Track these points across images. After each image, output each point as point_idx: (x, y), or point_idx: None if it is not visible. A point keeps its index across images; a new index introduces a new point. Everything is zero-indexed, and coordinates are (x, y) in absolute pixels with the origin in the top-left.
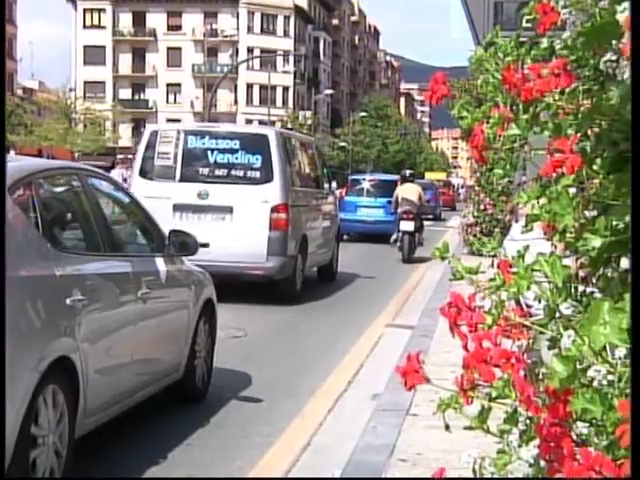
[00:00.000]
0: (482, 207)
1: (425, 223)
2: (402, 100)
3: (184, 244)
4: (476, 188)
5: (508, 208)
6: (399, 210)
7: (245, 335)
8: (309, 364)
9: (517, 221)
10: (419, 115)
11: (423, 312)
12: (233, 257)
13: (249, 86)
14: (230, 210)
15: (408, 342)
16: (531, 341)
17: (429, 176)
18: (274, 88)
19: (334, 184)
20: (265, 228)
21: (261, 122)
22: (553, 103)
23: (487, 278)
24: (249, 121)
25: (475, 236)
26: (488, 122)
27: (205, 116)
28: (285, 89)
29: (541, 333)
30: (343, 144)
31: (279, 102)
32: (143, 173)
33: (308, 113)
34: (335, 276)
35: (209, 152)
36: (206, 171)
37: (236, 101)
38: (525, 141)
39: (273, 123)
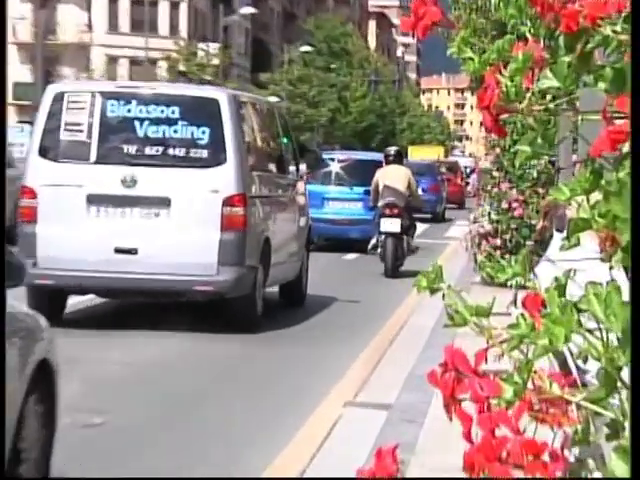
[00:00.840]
0: (505, 206)
1: (425, 230)
2: (372, 25)
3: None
4: (494, 174)
5: (543, 209)
6: (380, 203)
7: (101, 424)
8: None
9: (559, 230)
10: (400, 51)
11: (407, 379)
12: (170, 268)
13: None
14: (166, 203)
15: (380, 432)
16: (579, 427)
17: (416, 153)
18: (155, 4)
19: (303, 166)
20: (215, 228)
21: (135, 61)
22: (613, 37)
23: (506, 324)
24: (113, 59)
25: (491, 255)
26: (507, 68)
27: (38, 50)
28: (174, 5)
29: (596, 414)
30: (273, 99)
31: (163, 28)
32: (44, 152)
33: (214, 47)
34: (304, 298)
35: (137, 123)
36: (133, 149)
37: (90, 24)
38: (569, 98)
39: (154, 62)
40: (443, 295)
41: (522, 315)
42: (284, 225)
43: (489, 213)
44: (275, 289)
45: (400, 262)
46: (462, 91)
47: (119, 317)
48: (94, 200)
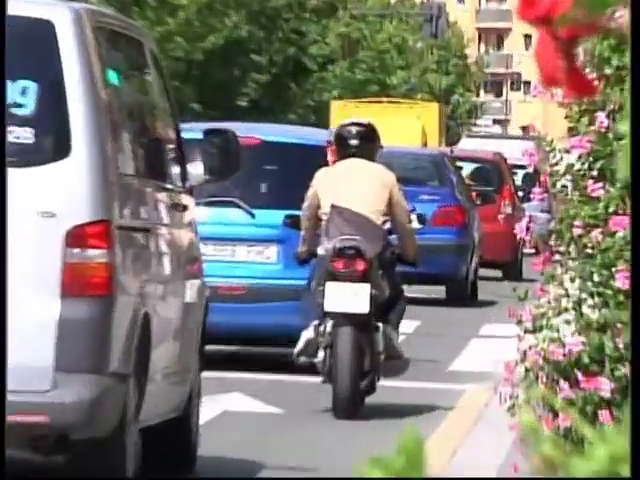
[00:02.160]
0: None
1: (425, 324)
2: None
3: None
4: (591, 190)
5: None
6: (323, 248)
7: None
8: None
9: None
10: None
11: None
12: None
13: None
14: None
15: None
16: None
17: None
18: None
19: (196, 167)
20: (48, 293)
21: None
22: None
23: None
24: None
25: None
26: None
27: None
28: None
29: None
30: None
31: None
32: None
33: None
34: (194, 458)
35: None
36: None
37: None
38: None
39: None
40: None
41: None
42: (172, 293)
43: (578, 303)
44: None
45: (368, 384)
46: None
47: None
48: None
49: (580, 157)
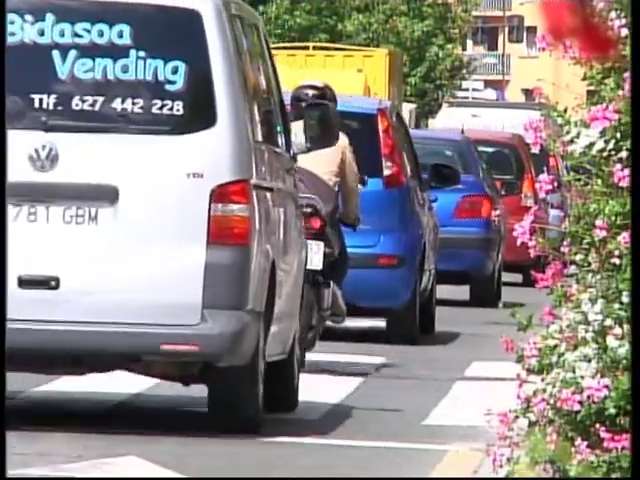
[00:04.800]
0: None
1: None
2: None
3: None
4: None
5: None
6: None
7: None
8: None
9: None
10: None
11: None
12: (116, 313)
13: None
14: (110, 197)
15: None
16: None
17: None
18: None
19: (297, 136)
20: (197, 241)
21: None
22: None
23: None
24: None
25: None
26: None
27: None
28: None
29: None
30: None
31: None
32: None
33: None
34: (297, 398)
35: (56, 54)
36: (50, 101)
37: None
38: None
39: None
40: None
41: None
42: (290, 245)
43: (600, 333)
44: None
45: (311, 339)
46: None
47: None
48: None
49: (604, 133)
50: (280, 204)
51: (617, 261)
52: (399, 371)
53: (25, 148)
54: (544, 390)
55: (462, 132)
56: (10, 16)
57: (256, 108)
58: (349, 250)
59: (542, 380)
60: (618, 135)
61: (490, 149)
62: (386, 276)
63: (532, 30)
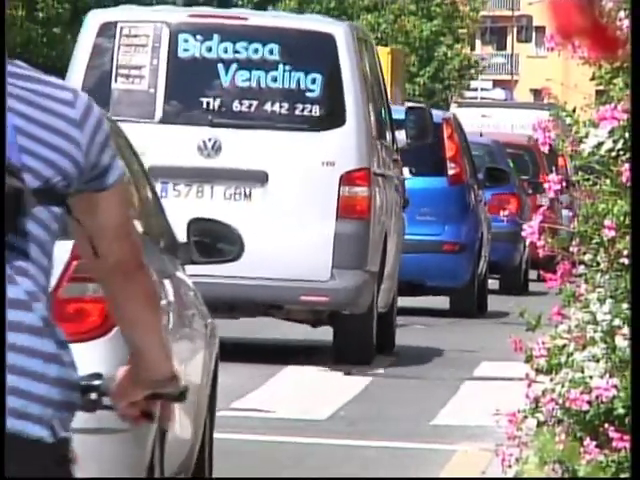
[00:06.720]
0: None
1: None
2: None
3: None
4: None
5: None
6: None
7: None
8: None
9: None
10: None
11: None
12: (266, 270)
13: None
14: (262, 179)
15: None
16: None
17: None
18: None
19: (402, 133)
20: (329, 215)
21: None
22: None
23: None
24: None
25: None
26: None
27: None
28: None
29: None
30: None
31: None
32: None
33: None
34: (394, 344)
35: (220, 67)
36: (215, 104)
37: None
38: None
39: None
40: None
41: None
42: (397, 221)
43: (609, 333)
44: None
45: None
46: None
47: None
48: (159, 174)
49: (612, 133)
50: (389, 187)
51: (626, 261)
52: (407, 371)
53: (195, 140)
54: (553, 390)
55: (480, 135)
56: (184, 36)
57: (373, 111)
58: (418, 238)
59: (551, 380)
60: (627, 135)
61: (508, 150)
62: (449, 260)
63: (541, 30)
